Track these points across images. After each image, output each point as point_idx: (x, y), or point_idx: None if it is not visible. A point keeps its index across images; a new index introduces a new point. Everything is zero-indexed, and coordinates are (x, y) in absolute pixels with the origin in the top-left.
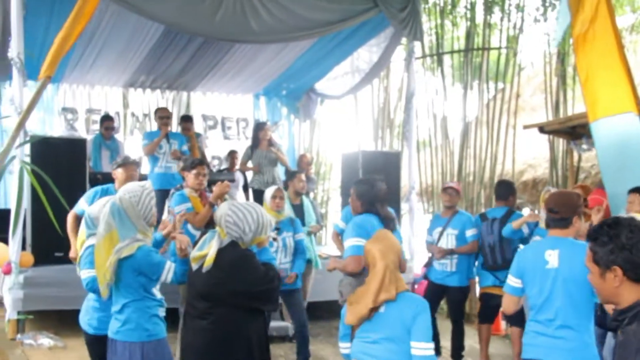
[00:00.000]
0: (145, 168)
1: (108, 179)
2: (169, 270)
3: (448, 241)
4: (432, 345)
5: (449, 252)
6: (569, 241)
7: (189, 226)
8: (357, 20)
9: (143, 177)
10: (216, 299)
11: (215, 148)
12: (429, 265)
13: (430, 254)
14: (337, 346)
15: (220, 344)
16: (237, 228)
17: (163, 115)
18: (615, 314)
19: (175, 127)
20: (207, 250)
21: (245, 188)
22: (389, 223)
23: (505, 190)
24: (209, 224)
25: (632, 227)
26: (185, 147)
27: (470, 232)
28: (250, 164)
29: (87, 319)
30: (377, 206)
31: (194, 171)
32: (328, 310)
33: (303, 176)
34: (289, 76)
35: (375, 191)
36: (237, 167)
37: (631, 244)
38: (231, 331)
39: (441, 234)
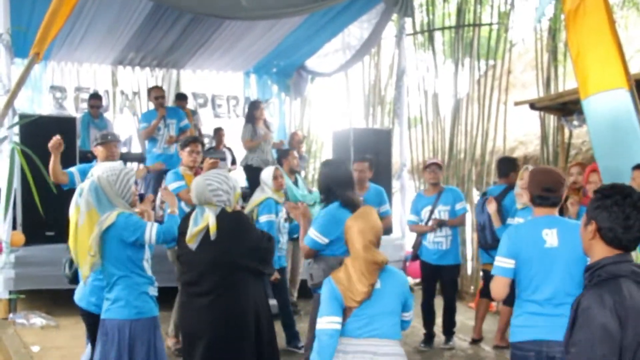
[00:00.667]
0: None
1: None
2: (152, 228)
3: (441, 218)
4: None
5: (440, 224)
6: (563, 220)
7: (183, 204)
8: None
9: (142, 158)
10: (226, 266)
11: (205, 126)
12: (417, 246)
13: (417, 235)
14: None
15: (232, 314)
16: (222, 192)
17: (158, 95)
18: (584, 270)
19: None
20: (204, 224)
21: (234, 163)
22: (352, 210)
23: (506, 166)
24: None
25: (626, 197)
26: (185, 122)
27: (459, 205)
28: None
29: (93, 300)
30: (336, 191)
31: (187, 149)
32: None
33: (296, 153)
34: (280, 53)
35: (335, 175)
36: (224, 145)
37: (614, 209)
38: (240, 299)
39: (432, 212)
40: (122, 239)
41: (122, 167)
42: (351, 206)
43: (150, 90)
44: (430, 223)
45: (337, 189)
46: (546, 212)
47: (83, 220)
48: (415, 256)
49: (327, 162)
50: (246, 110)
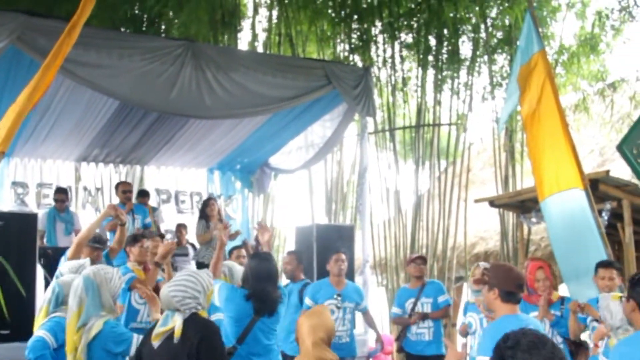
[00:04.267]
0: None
1: (59, 253)
2: (138, 341)
3: (424, 310)
4: None
5: (423, 317)
6: (532, 318)
7: (133, 300)
8: (311, 97)
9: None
10: None
11: (168, 222)
12: (402, 338)
13: (401, 328)
14: None
15: None
16: (190, 299)
17: (126, 190)
18: None
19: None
20: (172, 325)
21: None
22: (259, 305)
23: None
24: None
25: None
26: (148, 220)
27: (442, 298)
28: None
29: None
30: (252, 283)
31: (138, 244)
32: None
33: (243, 252)
34: (243, 150)
35: (257, 268)
36: (186, 241)
37: None
38: None
39: (415, 304)
40: (108, 349)
41: (114, 268)
42: (259, 300)
43: (118, 185)
44: (413, 316)
45: (254, 281)
46: (515, 309)
47: (71, 319)
48: (400, 348)
49: (254, 254)
50: None
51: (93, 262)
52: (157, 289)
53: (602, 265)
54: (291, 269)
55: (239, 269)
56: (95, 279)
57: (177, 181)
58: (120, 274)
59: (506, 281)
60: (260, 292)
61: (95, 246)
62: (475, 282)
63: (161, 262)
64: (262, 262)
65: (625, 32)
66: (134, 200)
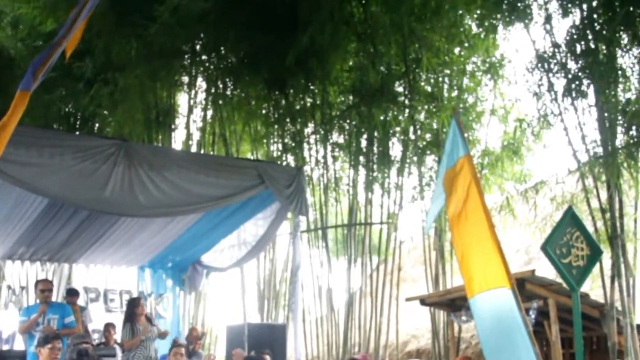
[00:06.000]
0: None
1: None
2: None
3: None
4: None
5: None
6: None
7: None
8: (244, 196)
9: (23, 356)
10: None
11: (96, 321)
12: None
13: None
14: None
15: None
16: None
17: (45, 289)
18: None
19: (58, 299)
20: None
21: None
22: None
23: None
24: None
25: None
26: (71, 318)
27: None
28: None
29: None
30: None
31: (48, 346)
32: None
33: (182, 350)
34: (176, 248)
35: None
36: (114, 341)
37: None
38: None
39: None
40: None
41: None
42: None
43: (37, 283)
44: None
45: None
46: None
47: None
48: None
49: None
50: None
51: None
52: None
53: None
54: None
55: None
56: None
57: (107, 279)
58: None
59: None
60: None
61: None
62: None
63: None
64: None
65: (544, 137)
66: (61, 299)
